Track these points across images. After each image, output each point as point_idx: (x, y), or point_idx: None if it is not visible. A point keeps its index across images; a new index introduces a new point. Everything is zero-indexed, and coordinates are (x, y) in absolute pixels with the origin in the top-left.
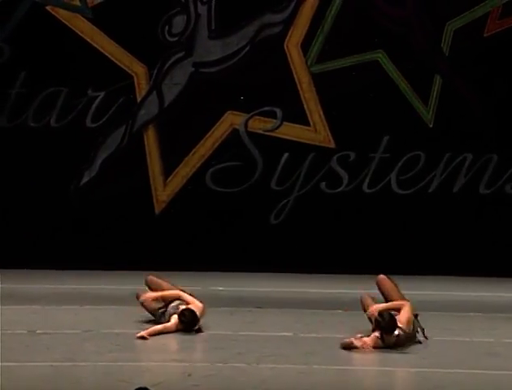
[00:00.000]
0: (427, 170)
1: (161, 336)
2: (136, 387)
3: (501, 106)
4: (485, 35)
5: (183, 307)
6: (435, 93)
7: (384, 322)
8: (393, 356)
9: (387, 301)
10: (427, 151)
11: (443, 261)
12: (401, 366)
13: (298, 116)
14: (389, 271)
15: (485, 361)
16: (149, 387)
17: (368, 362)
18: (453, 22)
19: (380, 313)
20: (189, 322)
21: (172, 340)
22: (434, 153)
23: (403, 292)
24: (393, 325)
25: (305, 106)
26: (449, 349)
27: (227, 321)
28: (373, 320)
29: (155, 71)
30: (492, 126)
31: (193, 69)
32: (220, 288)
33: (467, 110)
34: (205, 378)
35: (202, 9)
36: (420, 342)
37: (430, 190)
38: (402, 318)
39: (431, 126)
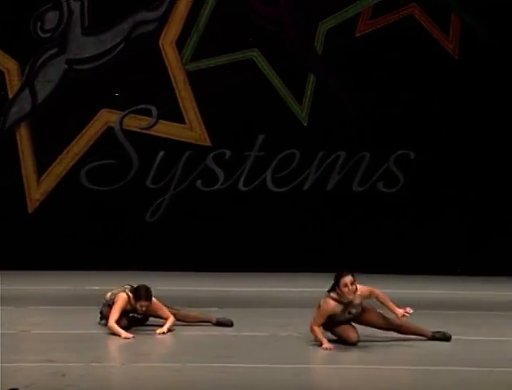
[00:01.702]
0: (302, 168)
1: (33, 337)
2: (8, 388)
3: (373, 105)
4: (357, 35)
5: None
6: (309, 91)
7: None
8: (281, 353)
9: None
10: (301, 149)
11: (317, 257)
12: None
13: (174, 114)
14: (264, 269)
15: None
16: (20, 389)
17: (244, 360)
18: (325, 21)
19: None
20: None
21: (45, 341)
22: (308, 152)
23: (273, 289)
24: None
25: (180, 104)
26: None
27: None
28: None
29: (27, 68)
30: (364, 124)
31: (67, 66)
32: (96, 288)
33: (340, 108)
34: (78, 378)
35: (75, 5)
36: None
37: (304, 188)
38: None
39: (305, 124)
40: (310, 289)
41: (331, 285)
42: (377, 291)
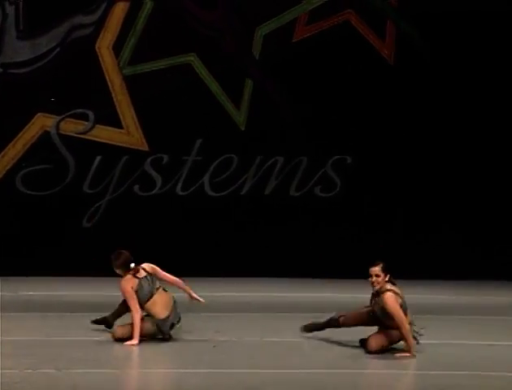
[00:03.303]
0: (240, 172)
1: None
2: None
3: (310, 110)
4: (294, 40)
5: None
6: (246, 96)
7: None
8: (200, 357)
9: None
10: (239, 154)
11: (255, 262)
12: (202, 367)
13: (111, 119)
14: (201, 273)
15: (289, 360)
16: None
17: (188, 365)
18: (262, 26)
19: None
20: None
21: None
22: (246, 156)
23: (208, 294)
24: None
25: (117, 109)
26: (257, 349)
27: (38, 326)
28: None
29: None
30: (301, 129)
31: (2, 70)
32: (31, 293)
33: (278, 113)
34: (13, 385)
35: (10, 9)
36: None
37: (242, 192)
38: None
39: (243, 129)
40: (243, 294)
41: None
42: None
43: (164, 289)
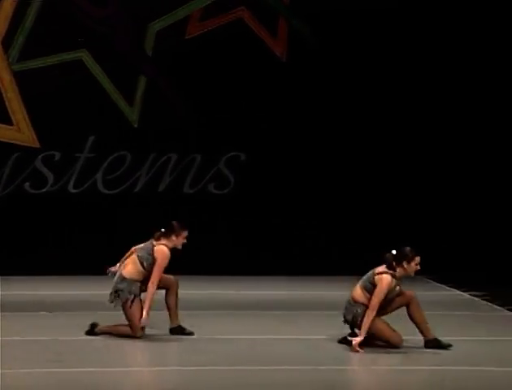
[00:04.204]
0: (133, 169)
1: None
2: None
3: (204, 107)
4: (187, 37)
5: None
6: (139, 93)
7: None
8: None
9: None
10: (132, 151)
11: None
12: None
13: (1, 115)
14: (93, 272)
15: (193, 357)
16: None
17: (75, 364)
18: (155, 23)
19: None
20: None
21: None
22: (139, 153)
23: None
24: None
25: (7, 105)
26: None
27: None
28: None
29: None
30: (195, 126)
31: None
32: None
33: (171, 110)
34: None
35: None
36: None
37: (136, 189)
38: None
39: (136, 126)
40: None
41: (388, 260)
42: None
43: (142, 263)
